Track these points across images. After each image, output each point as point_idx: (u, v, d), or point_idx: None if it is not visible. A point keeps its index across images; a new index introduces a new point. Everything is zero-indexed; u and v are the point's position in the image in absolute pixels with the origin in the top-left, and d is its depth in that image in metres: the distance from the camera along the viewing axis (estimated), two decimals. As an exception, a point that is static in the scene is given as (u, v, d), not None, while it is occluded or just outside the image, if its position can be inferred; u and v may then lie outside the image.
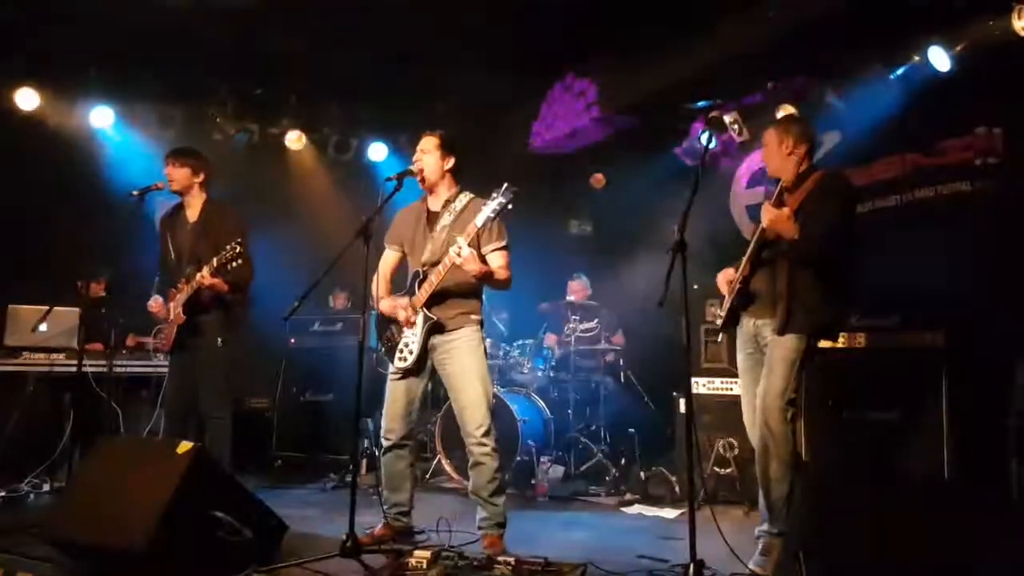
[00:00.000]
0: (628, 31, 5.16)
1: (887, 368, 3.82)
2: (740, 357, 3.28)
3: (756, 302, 3.15)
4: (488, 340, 5.37)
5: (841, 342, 3.92)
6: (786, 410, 2.97)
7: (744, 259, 3.18)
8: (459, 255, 3.05)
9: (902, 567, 1.92)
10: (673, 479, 4.46)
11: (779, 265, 3.05)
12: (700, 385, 4.35)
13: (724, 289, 3.28)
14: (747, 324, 3.21)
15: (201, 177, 3.98)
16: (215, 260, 3.59)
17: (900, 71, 4.67)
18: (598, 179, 7.12)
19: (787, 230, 2.95)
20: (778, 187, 3.13)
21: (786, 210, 2.96)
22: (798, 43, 4.73)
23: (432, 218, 3.39)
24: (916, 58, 4.54)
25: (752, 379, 3.19)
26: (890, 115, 4.84)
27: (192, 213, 3.99)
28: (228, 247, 3.56)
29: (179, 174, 3.91)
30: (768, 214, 3.00)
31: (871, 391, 3.84)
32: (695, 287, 3.31)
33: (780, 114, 5.48)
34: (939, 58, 4.41)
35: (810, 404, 3.79)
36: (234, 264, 3.57)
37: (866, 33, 4.52)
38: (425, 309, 3.25)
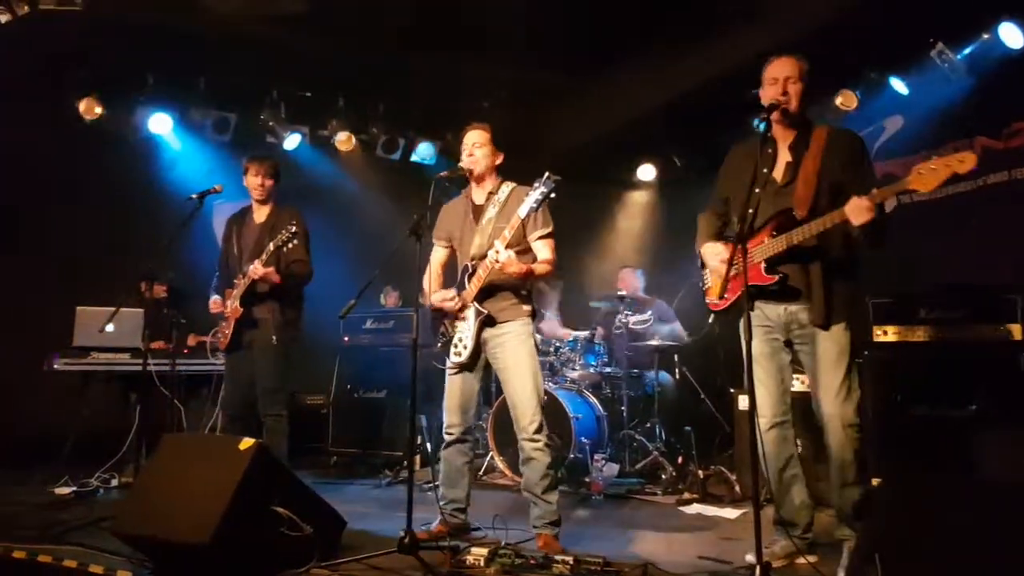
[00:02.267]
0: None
1: (958, 362, 3.63)
2: (760, 342, 2.92)
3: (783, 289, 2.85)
4: (538, 336, 5.36)
5: (897, 336, 3.77)
6: (858, 410, 2.81)
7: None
8: (497, 260, 3.04)
9: (983, 573, 1.81)
10: (733, 478, 4.33)
11: (810, 252, 2.80)
12: (759, 381, 4.21)
13: (715, 263, 3.00)
14: (772, 309, 2.92)
15: (278, 186, 4.16)
16: (271, 244, 3.73)
17: (968, 50, 4.45)
18: None
19: (865, 212, 2.58)
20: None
21: (867, 201, 2.60)
22: (856, 23, 4.53)
23: (477, 211, 3.40)
24: (985, 36, 4.32)
25: (775, 365, 2.94)
26: (958, 97, 4.62)
27: (260, 216, 4.13)
28: (283, 231, 3.69)
29: (267, 185, 4.08)
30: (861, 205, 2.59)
31: (942, 387, 3.65)
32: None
33: (839, 100, 5.32)
34: (1011, 35, 4.19)
35: (875, 402, 3.65)
36: (289, 246, 3.71)
37: (932, 10, 4.31)
38: (476, 303, 3.25)
